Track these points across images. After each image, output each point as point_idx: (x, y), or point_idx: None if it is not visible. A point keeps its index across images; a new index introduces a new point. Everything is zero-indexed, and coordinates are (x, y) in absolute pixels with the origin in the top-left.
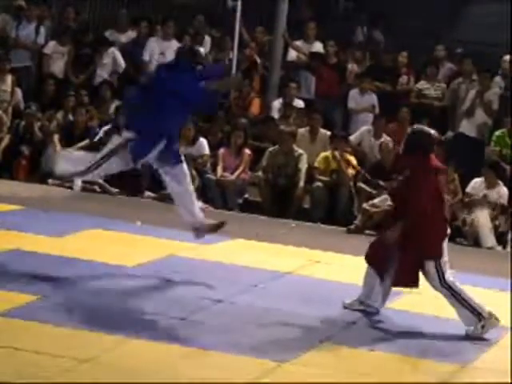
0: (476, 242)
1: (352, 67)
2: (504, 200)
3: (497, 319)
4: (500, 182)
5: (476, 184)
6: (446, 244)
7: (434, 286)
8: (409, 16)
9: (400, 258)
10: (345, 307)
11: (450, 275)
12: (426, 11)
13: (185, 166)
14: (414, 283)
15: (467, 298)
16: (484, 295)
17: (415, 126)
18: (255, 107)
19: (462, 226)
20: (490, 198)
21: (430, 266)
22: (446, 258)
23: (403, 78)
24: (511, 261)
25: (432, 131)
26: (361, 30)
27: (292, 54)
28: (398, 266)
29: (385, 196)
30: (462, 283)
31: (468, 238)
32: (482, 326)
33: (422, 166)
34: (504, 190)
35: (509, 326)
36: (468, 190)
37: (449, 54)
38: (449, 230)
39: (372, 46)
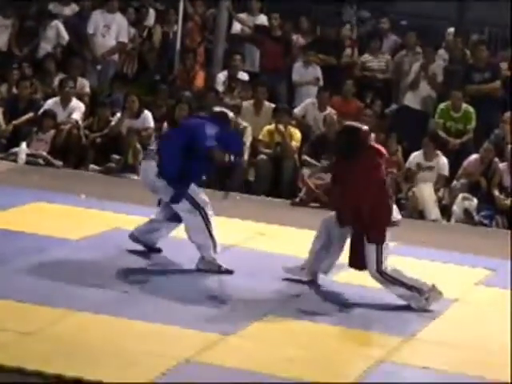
0: (420, 215)
1: (297, 40)
2: (444, 171)
3: (440, 293)
4: (439, 153)
5: (415, 158)
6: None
7: (369, 270)
8: None
9: (352, 240)
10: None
11: (388, 264)
12: None
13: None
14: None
15: (406, 280)
16: (428, 268)
17: (344, 125)
18: (199, 80)
19: (406, 199)
20: (428, 170)
21: (371, 250)
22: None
23: (347, 51)
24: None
25: (361, 127)
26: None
27: (236, 27)
28: (350, 247)
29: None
30: (405, 255)
31: (412, 210)
32: (426, 299)
33: (356, 167)
34: (443, 160)
35: (451, 297)
36: (407, 164)
37: (393, 26)
38: (399, 217)
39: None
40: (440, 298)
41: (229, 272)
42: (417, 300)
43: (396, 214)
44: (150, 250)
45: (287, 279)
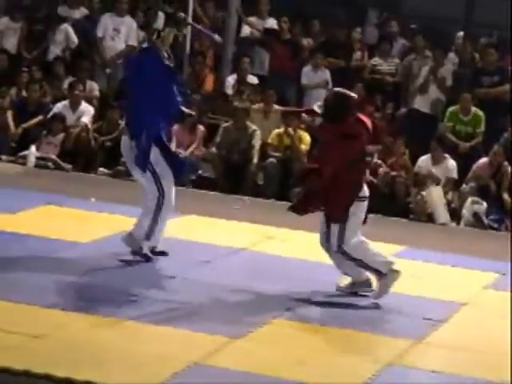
0: (429, 218)
1: (306, 43)
2: (453, 173)
3: (398, 273)
4: (447, 156)
5: (423, 162)
6: (359, 209)
7: (330, 248)
8: None
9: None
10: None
11: (352, 242)
12: None
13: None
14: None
15: (366, 259)
16: (437, 271)
17: (333, 90)
18: (209, 83)
19: (414, 203)
20: (437, 173)
21: (334, 228)
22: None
23: (357, 54)
24: (511, 244)
25: (350, 94)
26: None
27: (246, 30)
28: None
29: None
30: (414, 259)
31: (421, 214)
32: (385, 284)
33: (338, 129)
34: (452, 163)
35: (460, 301)
36: (416, 168)
37: (402, 29)
38: (366, 192)
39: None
40: (397, 278)
41: (148, 259)
42: (364, 289)
43: (365, 190)
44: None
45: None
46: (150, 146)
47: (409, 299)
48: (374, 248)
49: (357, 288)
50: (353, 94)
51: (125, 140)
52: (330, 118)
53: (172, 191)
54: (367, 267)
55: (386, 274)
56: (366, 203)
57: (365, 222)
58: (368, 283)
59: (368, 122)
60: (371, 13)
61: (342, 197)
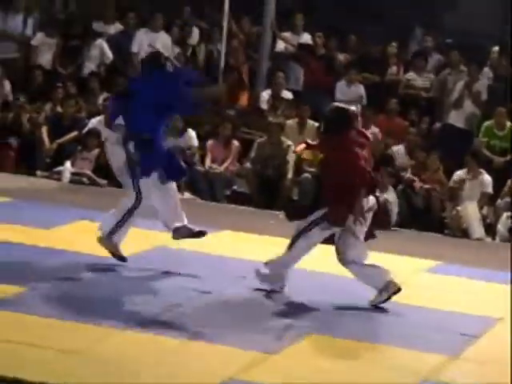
0: (464, 233)
1: (340, 58)
2: (488, 188)
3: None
4: (482, 171)
5: (459, 176)
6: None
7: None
8: (396, 6)
9: None
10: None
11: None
12: (414, 1)
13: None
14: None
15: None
16: (472, 286)
17: (333, 104)
18: (243, 98)
19: (450, 218)
20: (473, 189)
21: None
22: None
23: (392, 69)
24: (511, 254)
25: (351, 108)
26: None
27: (280, 46)
28: None
29: None
30: (449, 274)
31: (456, 229)
32: (380, 292)
33: (338, 142)
34: (487, 178)
35: (495, 316)
36: (451, 183)
37: (437, 44)
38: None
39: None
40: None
41: (123, 260)
42: (391, 290)
43: (371, 202)
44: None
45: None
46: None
47: (444, 314)
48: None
49: (385, 294)
50: (352, 108)
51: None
52: (331, 130)
53: (151, 201)
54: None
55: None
56: (368, 215)
57: (370, 237)
58: (391, 284)
59: (366, 132)
60: (417, 29)
61: (344, 200)
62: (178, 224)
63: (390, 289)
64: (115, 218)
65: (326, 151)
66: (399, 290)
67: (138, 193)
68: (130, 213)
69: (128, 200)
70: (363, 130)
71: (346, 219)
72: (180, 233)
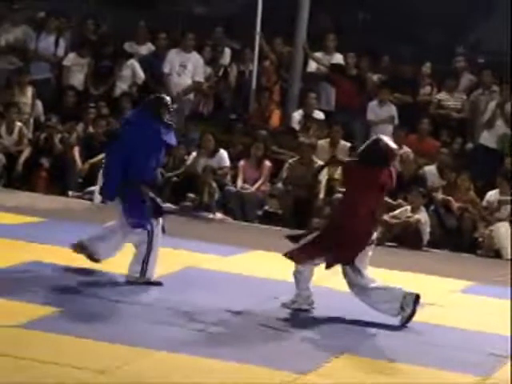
0: (497, 254)
1: (376, 78)
2: None
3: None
4: None
5: (491, 197)
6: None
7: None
8: (427, 27)
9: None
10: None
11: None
12: (445, 22)
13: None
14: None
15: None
16: (504, 307)
17: (378, 137)
18: (275, 119)
19: (482, 238)
20: (505, 209)
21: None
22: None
23: (426, 89)
24: (511, 269)
25: (394, 146)
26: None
27: (312, 66)
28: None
29: (405, 207)
30: (482, 294)
31: (488, 249)
32: (402, 308)
33: (369, 177)
34: None
35: None
36: (484, 203)
37: (469, 64)
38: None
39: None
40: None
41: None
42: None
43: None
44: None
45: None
46: None
47: (476, 335)
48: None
49: (407, 309)
50: (395, 147)
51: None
52: (363, 161)
53: None
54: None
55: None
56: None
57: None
58: (408, 296)
59: (393, 175)
60: (458, 49)
61: (355, 243)
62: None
63: (409, 300)
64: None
65: (346, 178)
66: (418, 297)
67: None
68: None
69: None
70: (393, 170)
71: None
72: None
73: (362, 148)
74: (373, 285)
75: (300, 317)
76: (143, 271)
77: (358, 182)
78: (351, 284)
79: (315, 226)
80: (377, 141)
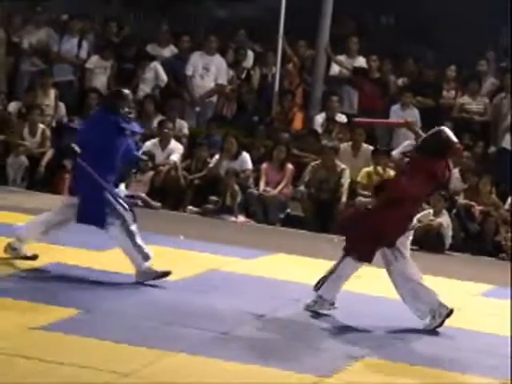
0: None
1: (401, 82)
2: None
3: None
4: None
5: None
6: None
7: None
8: (450, 30)
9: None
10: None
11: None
12: (468, 25)
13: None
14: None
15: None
16: None
17: (439, 128)
18: (298, 122)
19: (504, 242)
20: None
21: (387, 252)
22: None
23: (451, 93)
24: (511, 271)
25: (453, 138)
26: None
27: (335, 69)
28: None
29: (427, 211)
30: (504, 298)
31: (510, 253)
32: (433, 317)
33: (424, 166)
34: None
35: None
36: (506, 206)
37: (491, 68)
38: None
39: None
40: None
41: (166, 274)
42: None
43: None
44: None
45: None
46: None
47: (497, 338)
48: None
49: (438, 319)
50: (456, 141)
51: None
52: (428, 151)
53: None
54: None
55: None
56: (410, 232)
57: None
58: (443, 308)
59: (450, 167)
60: (489, 52)
61: (398, 226)
62: None
63: (443, 312)
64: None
65: (410, 168)
66: (451, 312)
67: None
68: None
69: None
70: (450, 163)
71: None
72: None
73: (423, 137)
74: (415, 277)
75: (321, 320)
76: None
77: (412, 169)
78: (388, 266)
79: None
80: (439, 132)
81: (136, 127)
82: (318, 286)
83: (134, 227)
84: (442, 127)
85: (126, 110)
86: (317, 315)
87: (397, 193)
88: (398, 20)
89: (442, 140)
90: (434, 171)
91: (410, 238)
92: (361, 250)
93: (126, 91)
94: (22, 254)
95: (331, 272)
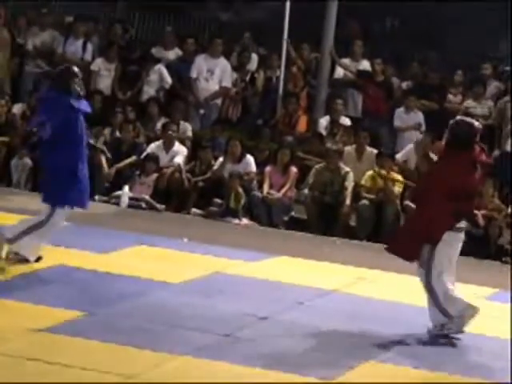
0: None
1: (405, 86)
2: None
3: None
4: None
5: None
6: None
7: (419, 272)
8: (455, 34)
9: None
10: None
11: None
12: (472, 29)
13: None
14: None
15: (443, 299)
16: None
17: (458, 118)
18: (302, 125)
19: (508, 245)
20: None
21: (425, 251)
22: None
23: (457, 98)
24: (511, 274)
25: (475, 122)
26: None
27: (339, 72)
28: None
29: None
30: (506, 302)
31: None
32: (442, 325)
33: (461, 156)
34: None
35: None
36: (510, 210)
37: (495, 72)
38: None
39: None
40: (473, 317)
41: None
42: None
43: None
44: None
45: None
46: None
47: (502, 342)
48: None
49: (446, 329)
50: (477, 123)
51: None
52: (459, 145)
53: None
54: (438, 305)
55: (453, 318)
56: (461, 235)
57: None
58: (457, 323)
59: (484, 152)
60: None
61: (441, 219)
62: None
63: (452, 329)
64: (21, 227)
65: (448, 165)
66: (458, 332)
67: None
68: (38, 226)
69: (39, 214)
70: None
71: (439, 237)
72: None
73: (447, 134)
74: (451, 287)
75: (323, 322)
76: (14, 239)
77: (448, 164)
78: (420, 264)
79: None
80: (457, 124)
81: (86, 106)
82: None
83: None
84: (458, 118)
85: (77, 88)
86: (320, 318)
87: (455, 190)
88: (402, 23)
89: (463, 132)
90: (467, 163)
91: (460, 244)
92: (405, 248)
93: (75, 69)
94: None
95: None
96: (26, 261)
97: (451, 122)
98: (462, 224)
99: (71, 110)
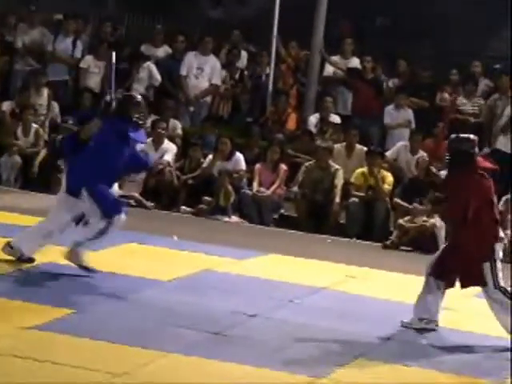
0: None
1: (392, 83)
2: None
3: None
4: None
5: (507, 201)
6: (499, 247)
7: (485, 291)
8: (445, 32)
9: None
10: (404, 326)
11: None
12: (463, 28)
13: None
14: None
15: None
16: None
17: (453, 136)
18: (292, 122)
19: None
20: None
21: (485, 267)
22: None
23: (451, 96)
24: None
25: (470, 135)
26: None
27: (329, 70)
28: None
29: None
30: None
31: (504, 254)
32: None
33: (467, 170)
34: None
35: None
36: (499, 207)
37: (486, 70)
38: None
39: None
40: None
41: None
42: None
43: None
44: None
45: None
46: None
47: (491, 339)
48: None
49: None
50: (472, 136)
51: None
52: (459, 165)
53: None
54: None
55: None
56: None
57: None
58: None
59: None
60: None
61: (485, 233)
62: None
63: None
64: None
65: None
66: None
67: None
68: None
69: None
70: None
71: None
72: None
73: (449, 159)
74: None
75: (315, 320)
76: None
77: (463, 190)
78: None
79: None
80: (454, 141)
81: (142, 137)
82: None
83: None
84: (453, 136)
85: (137, 115)
86: (310, 316)
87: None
88: (393, 21)
89: (463, 153)
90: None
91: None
92: (448, 277)
93: (138, 97)
94: (19, 255)
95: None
96: (18, 258)
97: (448, 140)
98: (502, 234)
99: (122, 137)
